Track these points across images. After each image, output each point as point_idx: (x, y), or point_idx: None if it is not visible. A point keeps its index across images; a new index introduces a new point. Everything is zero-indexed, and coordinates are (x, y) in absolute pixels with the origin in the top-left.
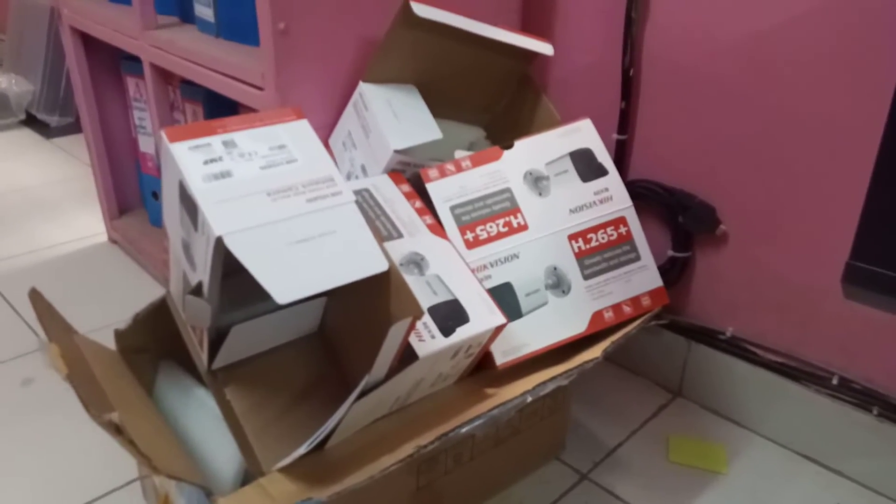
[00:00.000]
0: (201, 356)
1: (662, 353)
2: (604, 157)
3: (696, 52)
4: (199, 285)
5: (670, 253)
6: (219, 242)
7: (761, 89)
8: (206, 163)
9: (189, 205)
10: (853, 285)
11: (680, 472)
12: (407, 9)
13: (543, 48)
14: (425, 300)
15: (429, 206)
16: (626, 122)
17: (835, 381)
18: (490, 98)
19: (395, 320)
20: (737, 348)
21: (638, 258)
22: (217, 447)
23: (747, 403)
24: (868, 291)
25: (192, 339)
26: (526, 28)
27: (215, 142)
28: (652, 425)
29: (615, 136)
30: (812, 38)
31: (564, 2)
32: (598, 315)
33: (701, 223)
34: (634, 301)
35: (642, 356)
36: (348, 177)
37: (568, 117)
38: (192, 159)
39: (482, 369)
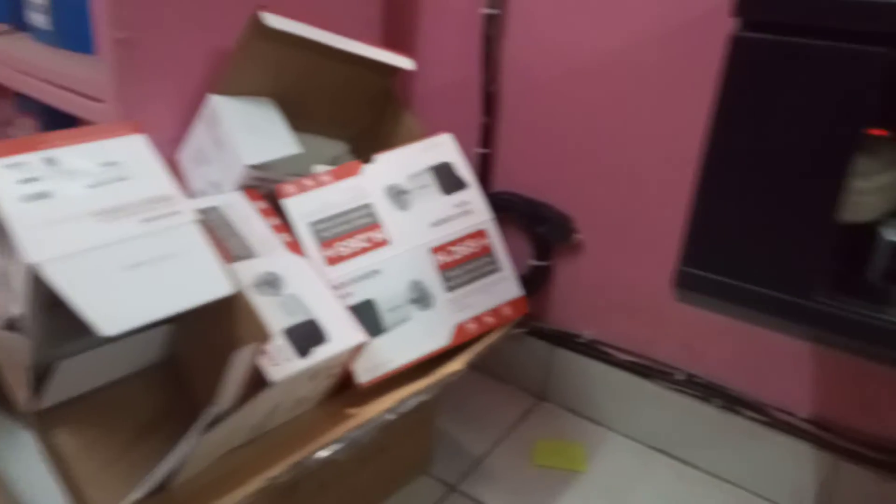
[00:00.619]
0: (23, 395)
1: (527, 359)
2: (464, 171)
3: (552, 68)
4: (18, 317)
5: (531, 262)
6: (33, 271)
7: (610, 104)
8: (21, 182)
9: (3, 229)
10: (683, 289)
11: (544, 474)
12: (257, 20)
13: (403, 63)
14: (280, 321)
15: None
16: (488, 136)
17: (681, 377)
18: (353, 113)
19: (240, 346)
20: (595, 350)
21: (499, 269)
22: (44, 496)
23: (605, 403)
24: (697, 294)
25: (13, 376)
26: (388, 43)
27: (34, 159)
28: (518, 431)
29: (478, 149)
30: (653, 56)
31: (425, 18)
32: (461, 327)
33: (558, 233)
34: (496, 311)
35: (508, 363)
36: (200, 194)
37: (433, 131)
38: (5, 179)
39: (346, 388)
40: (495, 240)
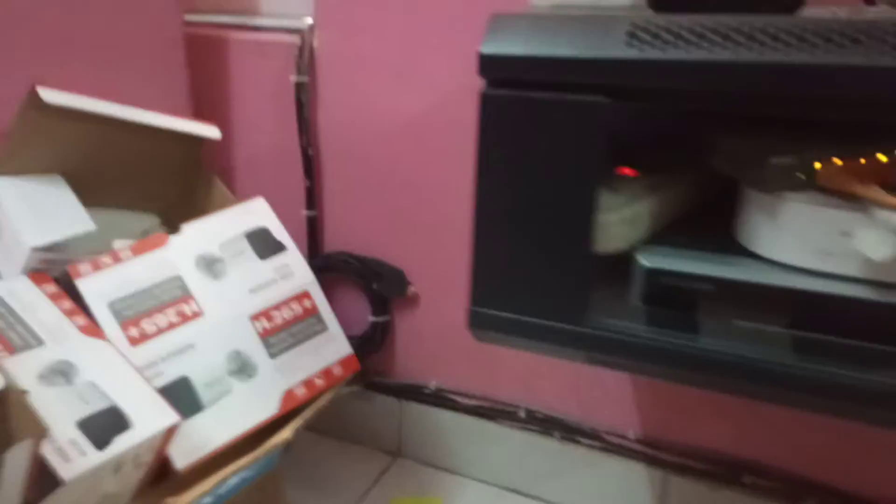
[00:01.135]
0: None
1: (378, 417)
2: (281, 234)
3: (365, 130)
4: None
5: (371, 319)
6: None
7: (423, 160)
8: None
9: None
10: (476, 329)
11: None
12: (34, 96)
13: (208, 131)
14: (74, 413)
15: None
16: (312, 198)
17: (522, 415)
18: (161, 184)
19: (14, 444)
20: (441, 399)
21: (325, 329)
22: None
23: (457, 450)
24: (491, 333)
25: None
26: (200, 111)
27: None
28: (374, 493)
29: (305, 212)
30: (455, 114)
31: (238, 85)
32: (289, 393)
33: (393, 287)
34: (326, 372)
35: (359, 424)
36: None
37: (257, 196)
38: None
39: (165, 476)
40: (320, 300)
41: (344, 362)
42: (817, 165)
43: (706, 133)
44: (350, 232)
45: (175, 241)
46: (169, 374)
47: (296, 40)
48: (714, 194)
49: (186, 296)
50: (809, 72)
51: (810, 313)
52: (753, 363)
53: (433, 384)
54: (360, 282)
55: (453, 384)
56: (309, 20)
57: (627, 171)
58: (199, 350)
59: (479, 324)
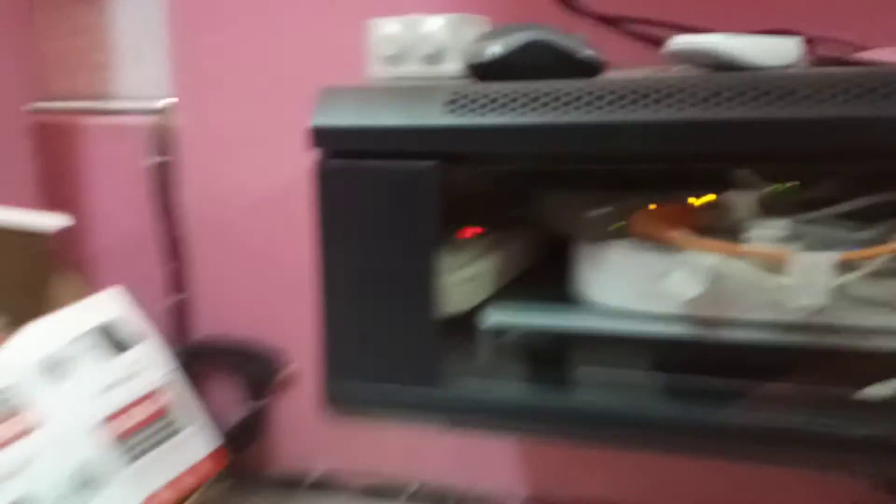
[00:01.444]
0: None
1: None
2: (138, 325)
3: (232, 207)
4: None
5: (248, 405)
6: None
7: (295, 235)
8: None
9: None
10: (332, 405)
11: None
12: None
13: (57, 221)
14: None
15: None
16: (181, 281)
17: (413, 488)
18: (6, 281)
19: None
20: (329, 483)
21: (190, 423)
22: None
23: None
24: (347, 407)
25: None
26: (53, 201)
27: None
28: None
29: (172, 297)
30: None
31: (92, 171)
32: (153, 499)
33: (269, 368)
34: (194, 470)
35: None
36: None
37: (112, 286)
38: None
39: None
40: (182, 393)
41: (213, 456)
42: (632, 214)
43: (535, 190)
44: (223, 314)
45: (14, 343)
46: (1, 499)
47: (154, 121)
48: (554, 248)
49: (22, 406)
50: (607, 129)
51: (638, 355)
52: (600, 410)
53: (320, 468)
54: (232, 367)
55: (341, 465)
56: (168, 99)
57: (470, 230)
58: (38, 467)
59: (336, 398)
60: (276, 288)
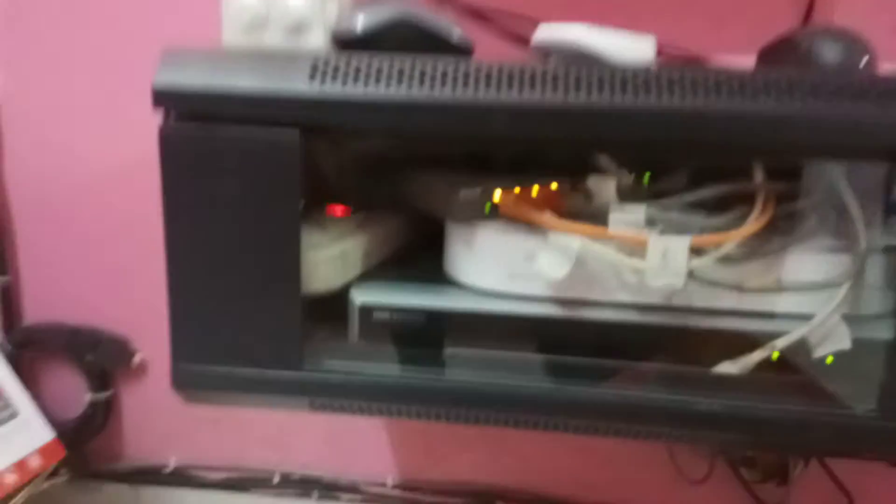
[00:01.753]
0: None
1: None
2: None
3: (66, 182)
4: None
5: (89, 397)
6: None
7: (141, 211)
8: None
9: None
10: (183, 389)
11: None
12: None
13: None
14: None
15: None
16: (3, 262)
17: (276, 480)
18: None
19: None
20: (183, 477)
21: (15, 415)
22: None
23: None
24: (200, 391)
25: None
26: None
27: None
28: None
29: None
30: None
31: None
32: None
33: (113, 358)
34: (20, 465)
35: None
36: None
37: None
38: None
39: None
40: (6, 381)
41: (44, 450)
42: (500, 196)
43: (406, 170)
44: (58, 298)
45: None
46: None
47: None
48: (427, 228)
49: None
50: (472, 109)
51: (507, 334)
52: (470, 388)
53: (172, 462)
54: (72, 355)
55: (197, 458)
56: None
57: (339, 208)
58: None
59: (186, 382)
60: (122, 269)
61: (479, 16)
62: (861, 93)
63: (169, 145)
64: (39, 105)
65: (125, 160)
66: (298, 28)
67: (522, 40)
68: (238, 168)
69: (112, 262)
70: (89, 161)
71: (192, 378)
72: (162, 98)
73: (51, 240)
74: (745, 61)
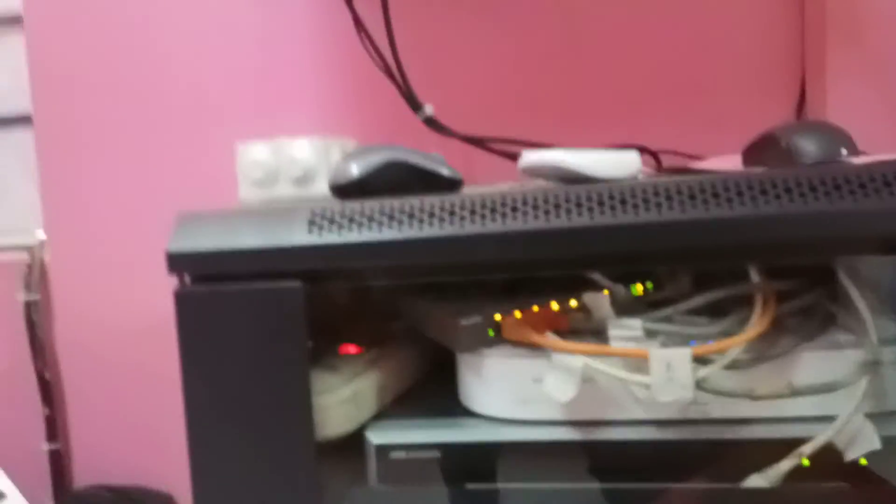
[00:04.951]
0: None
1: None
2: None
3: (109, 346)
4: None
5: None
6: None
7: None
8: None
9: None
10: None
11: None
12: None
13: None
14: None
15: None
16: (55, 428)
17: None
18: None
19: None
20: None
21: None
22: None
23: None
24: None
25: None
26: None
27: None
28: None
29: (46, 445)
30: None
31: None
32: None
33: None
34: None
35: None
36: None
37: None
38: None
39: None
40: None
41: None
42: (499, 320)
43: (410, 302)
44: (105, 461)
45: None
46: None
47: (24, 258)
48: (442, 356)
49: None
50: (463, 241)
51: (525, 463)
52: None
53: None
54: None
55: None
56: (40, 235)
57: (350, 347)
58: None
59: None
60: (165, 428)
61: (474, 142)
62: (840, 186)
63: (183, 306)
64: (86, 273)
65: (160, 317)
66: (305, 178)
67: (515, 159)
68: (246, 322)
69: (157, 422)
70: (131, 325)
71: None
72: (175, 263)
73: (97, 404)
74: (738, 160)
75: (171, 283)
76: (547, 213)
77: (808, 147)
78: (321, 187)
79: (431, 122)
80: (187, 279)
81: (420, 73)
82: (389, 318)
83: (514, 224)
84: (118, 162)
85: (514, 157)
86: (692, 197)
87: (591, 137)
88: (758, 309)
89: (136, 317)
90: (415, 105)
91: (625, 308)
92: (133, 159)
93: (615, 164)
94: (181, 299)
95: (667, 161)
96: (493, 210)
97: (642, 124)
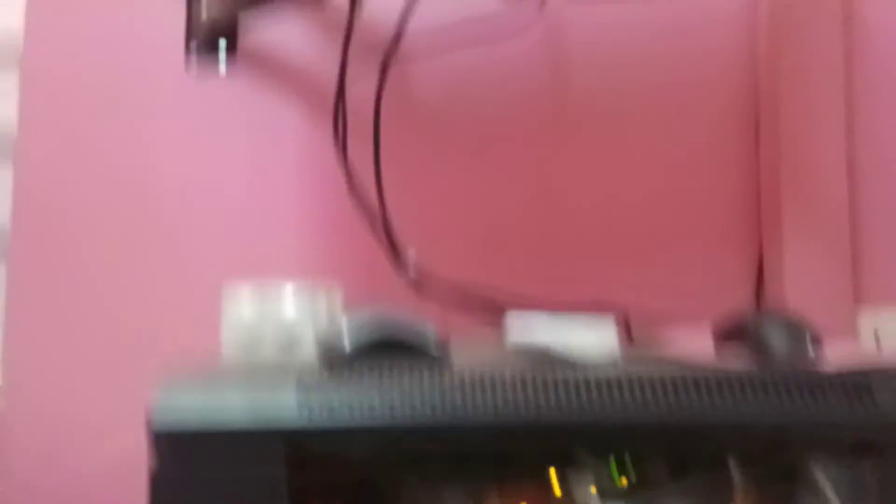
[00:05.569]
0: None
1: None
2: None
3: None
4: None
5: None
6: None
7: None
8: None
9: None
10: None
11: None
12: None
13: None
14: None
15: None
16: None
17: None
18: None
19: None
20: None
21: None
22: None
23: None
24: None
25: None
26: None
27: None
28: None
29: None
30: None
31: None
32: None
33: None
34: None
35: None
36: None
37: None
38: None
39: None
40: None
41: None
42: (488, 499)
43: (393, 482)
44: None
45: None
46: None
47: None
48: None
49: None
50: (450, 428)
51: None
52: None
53: None
54: None
55: None
56: None
57: None
58: None
59: None
60: None
61: (455, 296)
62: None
63: (159, 489)
64: (43, 420)
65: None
66: (290, 343)
67: (499, 310)
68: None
69: None
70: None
71: None
72: (158, 441)
73: None
74: (703, 331)
75: (142, 443)
76: (539, 406)
77: (777, 338)
78: (306, 352)
79: (416, 284)
80: (164, 460)
81: (405, 215)
82: (373, 497)
83: (506, 414)
84: (93, 306)
85: (495, 308)
86: (675, 387)
87: (563, 285)
88: (737, 499)
89: (100, 479)
90: (399, 262)
91: (606, 493)
92: (111, 300)
93: (594, 342)
94: (158, 482)
95: (637, 324)
96: (473, 389)
97: (610, 273)
